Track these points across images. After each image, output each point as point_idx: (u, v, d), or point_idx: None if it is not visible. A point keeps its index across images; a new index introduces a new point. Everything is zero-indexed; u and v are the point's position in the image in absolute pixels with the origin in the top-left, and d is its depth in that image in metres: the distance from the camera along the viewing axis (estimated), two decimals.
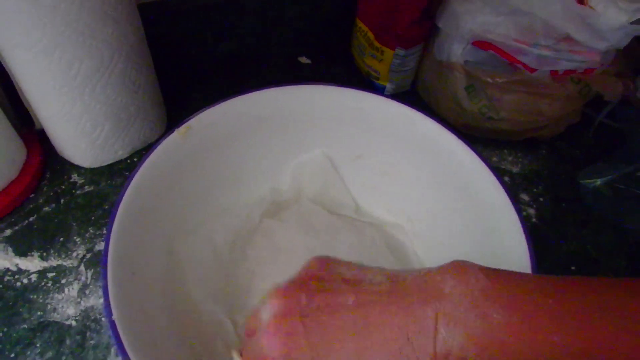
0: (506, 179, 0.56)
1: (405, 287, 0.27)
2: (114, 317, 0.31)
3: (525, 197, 0.55)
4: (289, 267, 0.42)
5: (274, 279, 0.41)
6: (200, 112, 0.43)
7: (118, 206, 0.36)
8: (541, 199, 0.55)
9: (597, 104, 0.57)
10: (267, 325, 0.28)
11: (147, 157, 0.39)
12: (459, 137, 0.41)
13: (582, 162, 0.58)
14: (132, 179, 0.38)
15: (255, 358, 0.29)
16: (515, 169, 0.57)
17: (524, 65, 0.49)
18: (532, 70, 0.49)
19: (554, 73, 0.50)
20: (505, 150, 0.58)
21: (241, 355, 0.32)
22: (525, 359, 0.24)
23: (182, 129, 0.41)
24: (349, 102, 0.45)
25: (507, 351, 0.24)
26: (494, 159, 0.58)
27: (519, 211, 0.38)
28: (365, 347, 0.26)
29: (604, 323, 0.24)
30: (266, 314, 0.29)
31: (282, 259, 0.45)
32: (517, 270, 0.27)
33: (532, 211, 0.53)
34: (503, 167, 0.57)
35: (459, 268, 0.27)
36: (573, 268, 0.49)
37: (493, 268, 0.27)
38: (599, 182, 0.51)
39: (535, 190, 0.55)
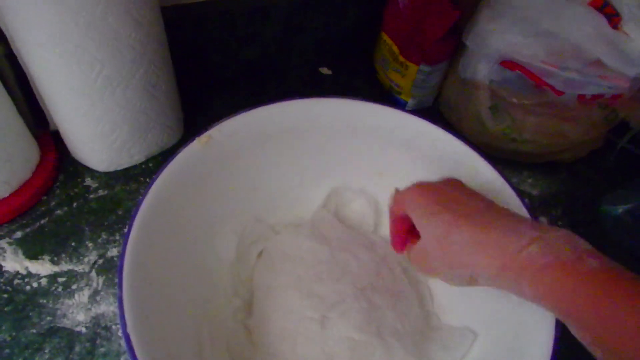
0: (525, 201, 0.55)
1: (523, 217, 0.32)
2: (129, 329, 0.31)
3: (543, 220, 0.54)
4: (300, 276, 0.43)
5: (285, 288, 0.42)
6: (222, 122, 0.42)
7: (136, 214, 0.36)
8: (559, 223, 0.54)
9: (620, 129, 0.56)
10: (417, 184, 0.36)
11: (167, 165, 0.39)
12: (484, 157, 0.41)
13: (602, 187, 0.57)
14: (151, 187, 0.37)
15: (398, 201, 0.38)
16: (534, 192, 0.56)
17: (551, 87, 0.48)
18: (559, 93, 0.49)
19: (580, 97, 0.49)
20: (525, 172, 0.57)
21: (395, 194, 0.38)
22: (594, 318, 0.25)
23: (203, 138, 0.41)
24: (371, 117, 0.45)
25: (581, 295, 0.26)
26: (514, 180, 0.57)
27: None
28: (463, 223, 0.31)
29: None
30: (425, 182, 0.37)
31: (294, 269, 0.44)
32: None
33: None
34: (522, 188, 0.56)
35: (573, 233, 0.29)
36: None
37: None
38: (620, 209, 0.50)
39: (553, 213, 0.55)
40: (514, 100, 0.51)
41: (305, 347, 0.39)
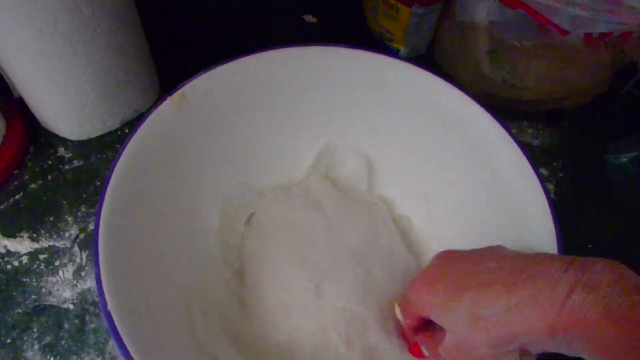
0: (528, 154, 0.53)
1: (548, 256, 0.28)
2: (109, 307, 0.29)
3: (544, 171, 0.52)
4: (293, 244, 0.41)
5: (278, 256, 0.40)
6: (195, 78, 0.38)
7: (107, 186, 0.33)
8: (561, 174, 0.52)
9: (624, 73, 0.53)
10: (416, 279, 0.32)
11: (137, 128, 0.36)
12: (486, 109, 0.38)
13: (606, 135, 0.54)
14: (121, 154, 0.34)
15: (408, 309, 0.34)
16: (535, 142, 0.54)
17: (555, 27, 0.45)
18: (565, 33, 0.45)
19: (587, 37, 0.45)
20: (525, 122, 0.55)
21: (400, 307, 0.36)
22: None
23: (175, 97, 0.37)
24: (362, 66, 0.41)
25: None
26: (513, 130, 0.53)
27: (545, 190, 0.35)
28: (487, 294, 0.27)
29: None
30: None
31: (286, 237, 0.42)
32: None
33: (550, 187, 0.50)
34: (522, 139, 0.53)
35: (614, 262, 0.25)
36: (590, 247, 0.47)
37: None
38: (625, 158, 0.48)
39: (555, 164, 0.52)
40: (515, 42, 0.47)
41: (300, 318, 0.38)
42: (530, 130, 0.54)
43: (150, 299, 0.33)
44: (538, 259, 0.28)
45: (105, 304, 0.29)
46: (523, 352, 0.27)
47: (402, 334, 0.37)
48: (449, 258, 0.32)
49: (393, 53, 0.56)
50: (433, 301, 0.30)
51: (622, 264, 0.25)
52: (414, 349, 0.36)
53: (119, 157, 0.34)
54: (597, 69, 0.48)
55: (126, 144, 0.35)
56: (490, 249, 0.31)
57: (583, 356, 0.25)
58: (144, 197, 0.36)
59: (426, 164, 0.43)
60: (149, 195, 0.36)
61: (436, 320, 0.31)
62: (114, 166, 0.34)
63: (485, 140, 0.39)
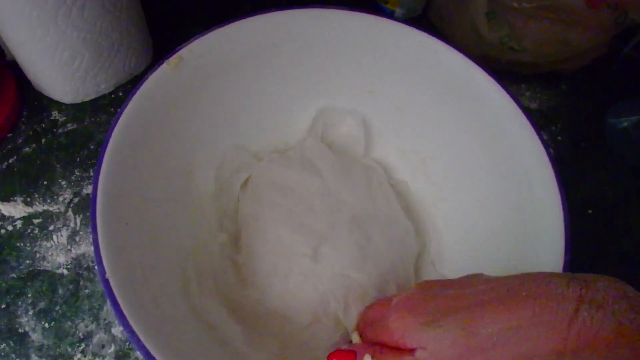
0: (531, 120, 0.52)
1: (543, 273, 0.25)
2: (107, 275, 0.29)
3: (543, 135, 0.51)
4: (290, 208, 0.41)
5: (274, 221, 0.40)
6: (192, 41, 0.38)
7: (105, 148, 0.32)
8: (559, 138, 0.52)
9: (624, 35, 0.52)
10: (394, 309, 0.28)
11: (135, 91, 0.35)
12: (487, 71, 0.37)
13: (605, 99, 0.54)
14: (119, 117, 0.34)
15: (378, 336, 0.29)
16: (533, 105, 0.53)
17: None
18: None
19: None
20: (523, 85, 0.54)
21: (360, 336, 0.33)
22: None
23: (172, 59, 0.37)
24: (359, 28, 0.40)
25: None
26: None
27: (549, 152, 0.35)
28: (480, 315, 0.24)
29: None
30: (395, 299, 0.29)
31: (283, 201, 0.41)
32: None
33: (549, 151, 0.50)
34: (520, 103, 0.53)
35: (614, 279, 0.23)
36: (590, 212, 0.47)
37: None
38: (625, 122, 0.48)
39: (553, 128, 0.52)
40: (514, 3, 0.46)
41: (297, 284, 0.38)
42: (528, 94, 0.54)
43: (146, 266, 0.32)
44: (532, 276, 0.25)
45: (103, 272, 0.29)
46: None
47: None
48: (430, 285, 0.29)
49: (388, 15, 0.55)
50: (413, 322, 0.27)
51: (622, 281, 0.23)
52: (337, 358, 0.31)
53: (117, 120, 0.34)
54: (598, 31, 0.47)
55: (125, 107, 0.34)
56: (474, 275, 0.28)
57: None
58: (141, 161, 0.35)
59: (425, 127, 0.43)
60: (146, 159, 0.36)
61: (408, 342, 0.27)
62: (112, 128, 0.33)
63: (486, 102, 0.38)
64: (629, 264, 0.45)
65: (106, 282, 0.28)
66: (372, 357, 0.29)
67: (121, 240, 0.31)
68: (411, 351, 0.27)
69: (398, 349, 0.28)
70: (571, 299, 0.22)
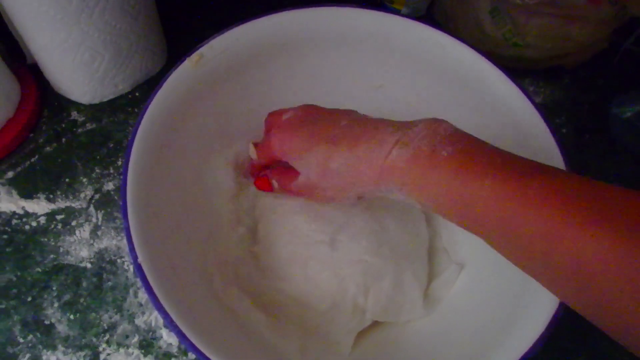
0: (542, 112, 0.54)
1: (385, 122, 0.32)
2: (140, 260, 0.30)
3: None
4: (308, 199, 0.42)
5: (291, 211, 0.41)
6: (213, 39, 0.39)
7: (133, 141, 0.34)
8: (564, 130, 0.53)
9: (624, 30, 0.54)
10: (279, 125, 0.36)
11: (159, 88, 0.37)
12: (495, 65, 0.39)
13: (607, 91, 0.55)
14: (145, 112, 0.35)
15: (264, 149, 0.38)
16: (537, 99, 0.55)
17: None
18: None
19: None
20: (527, 80, 0.56)
21: (256, 147, 0.39)
22: (445, 196, 0.27)
23: (194, 57, 0.38)
24: (370, 25, 0.42)
25: (437, 182, 0.27)
26: None
27: (560, 146, 0.36)
28: (335, 150, 0.32)
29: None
30: (285, 115, 0.36)
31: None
32: None
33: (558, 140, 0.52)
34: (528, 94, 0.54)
35: (435, 120, 0.30)
36: None
37: (474, 135, 0.29)
38: (629, 112, 0.49)
39: (557, 120, 0.53)
40: (517, 0, 0.48)
41: (316, 270, 0.39)
42: (532, 88, 0.55)
43: (172, 255, 0.34)
44: (379, 123, 0.32)
45: (135, 257, 0.30)
46: (360, 196, 0.33)
47: (249, 169, 0.43)
48: (310, 111, 0.36)
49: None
50: (291, 149, 0.35)
51: (443, 120, 0.30)
52: (260, 182, 0.41)
53: (143, 114, 0.35)
54: (599, 26, 0.49)
55: (150, 102, 0.36)
56: (346, 111, 0.35)
57: (407, 200, 0.30)
58: (165, 155, 0.36)
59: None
60: (169, 153, 0.37)
61: (291, 163, 0.35)
62: (138, 123, 0.35)
63: (496, 96, 0.39)
64: None
65: (139, 267, 0.30)
66: (277, 182, 0.39)
67: (150, 228, 0.32)
68: (295, 172, 0.35)
69: (290, 169, 0.36)
70: (391, 141, 0.30)
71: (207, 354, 0.28)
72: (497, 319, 0.34)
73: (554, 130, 0.37)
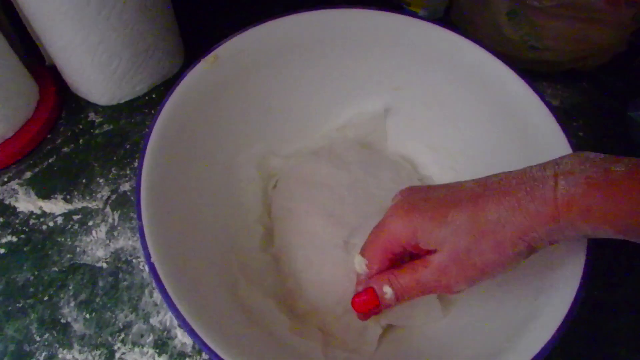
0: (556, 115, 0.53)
1: (510, 172, 0.29)
2: (153, 259, 0.30)
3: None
4: (320, 202, 0.42)
5: (306, 214, 0.41)
6: (228, 40, 0.39)
7: (147, 142, 0.34)
8: (581, 134, 0.52)
9: None
10: (390, 214, 0.31)
11: (175, 89, 0.37)
12: (511, 68, 0.38)
13: (626, 94, 0.54)
14: (160, 113, 0.36)
15: (376, 250, 0.32)
16: (554, 103, 0.54)
17: None
18: None
19: None
20: (545, 83, 0.55)
21: (364, 255, 0.33)
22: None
23: (209, 58, 0.38)
24: (387, 27, 0.42)
25: (631, 200, 0.25)
26: None
27: (573, 148, 0.35)
28: (482, 203, 0.28)
29: None
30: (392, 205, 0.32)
31: (314, 194, 0.43)
32: None
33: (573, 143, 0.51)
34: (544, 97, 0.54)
35: (576, 152, 0.28)
36: None
37: None
38: None
39: (575, 124, 0.53)
40: (535, 3, 0.47)
41: (331, 275, 0.39)
42: (549, 91, 0.54)
43: (187, 254, 0.34)
44: (512, 171, 0.29)
45: (148, 256, 0.30)
46: (531, 248, 0.28)
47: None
48: (415, 190, 0.32)
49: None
50: (422, 222, 0.29)
51: (583, 151, 0.28)
52: (360, 300, 0.33)
53: (158, 116, 0.35)
54: (617, 28, 0.48)
55: (164, 103, 0.36)
56: (456, 182, 0.31)
57: (587, 232, 0.27)
58: (180, 155, 0.37)
59: (452, 123, 0.44)
60: (184, 153, 0.37)
61: (425, 241, 0.30)
62: (154, 123, 0.35)
63: (513, 98, 0.39)
64: None
65: (152, 266, 0.30)
66: (390, 285, 0.31)
67: (164, 228, 0.32)
68: (424, 259, 0.30)
69: (410, 262, 0.31)
70: (549, 177, 0.27)
71: (219, 353, 0.28)
72: (510, 320, 0.33)
73: (569, 134, 0.36)
